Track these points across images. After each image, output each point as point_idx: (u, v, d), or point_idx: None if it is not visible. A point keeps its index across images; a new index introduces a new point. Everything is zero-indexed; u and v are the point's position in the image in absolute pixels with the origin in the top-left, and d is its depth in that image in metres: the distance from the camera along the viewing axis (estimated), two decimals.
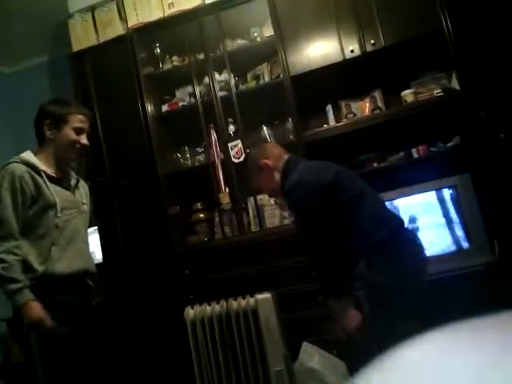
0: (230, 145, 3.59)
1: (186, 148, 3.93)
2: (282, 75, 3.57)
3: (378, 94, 3.68)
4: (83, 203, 2.50)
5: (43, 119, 2.39)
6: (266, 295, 2.98)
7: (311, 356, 2.78)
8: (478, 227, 3.12)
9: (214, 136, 3.63)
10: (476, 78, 3.15)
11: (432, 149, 3.42)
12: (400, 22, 3.38)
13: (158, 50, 3.90)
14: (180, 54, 3.88)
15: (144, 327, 3.52)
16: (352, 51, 3.45)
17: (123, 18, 3.93)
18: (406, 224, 3.22)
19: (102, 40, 3.92)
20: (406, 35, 3.33)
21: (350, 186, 2.38)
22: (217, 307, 3.06)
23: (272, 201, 3.44)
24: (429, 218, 3.31)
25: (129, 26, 3.90)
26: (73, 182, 2.50)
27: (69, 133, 2.38)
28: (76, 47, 3.96)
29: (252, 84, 3.80)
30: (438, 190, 3.29)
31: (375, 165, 3.52)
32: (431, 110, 3.33)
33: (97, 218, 3.66)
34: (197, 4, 3.76)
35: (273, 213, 3.47)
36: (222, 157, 3.61)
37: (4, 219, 2.22)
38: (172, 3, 3.81)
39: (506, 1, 3.09)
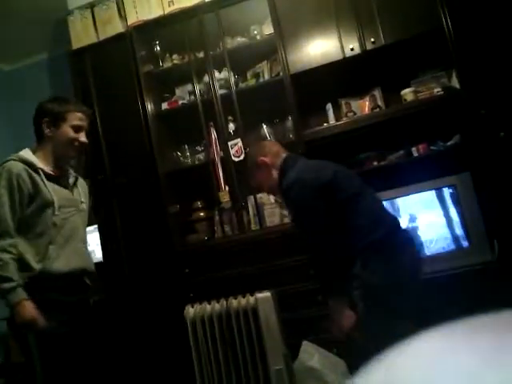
0: (229, 143, 3.58)
1: (186, 146, 3.93)
2: (281, 73, 3.57)
3: (377, 93, 3.68)
4: (82, 202, 2.49)
5: (42, 117, 2.39)
6: (266, 294, 2.98)
7: (311, 355, 2.79)
8: (478, 226, 3.12)
9: (213, 134, 3.63)
10: (476, 77, 3.14)
11: (432, 147, 3.42)
12: (400, 21, 3.37)
13: (158, 48, 3.89)
14: (180, 52, 3.87)
15: (144, 326, 3.52)
16: (352, 49, 3.44)
17: (123, 15, 3.93)
18: (406, 223, 3.25)
19: (101, 38, 3.92)
20: (406, 34, 3.33)
21: (348, 184, 2.38)
22: (217, 306, 3.07)
23: (272, 199, 3.44)
24: (428, 217, 3.31)
25: (128, 23, 3.90)
26: (71, 180, 2.49)
27: (67, 131, 2.38)
28: (76, 45, 3.96)
29: (252, 82, 3.79)
30: (438, 188, 3.28)
31: (375, 163, 3.52)
32: (431, 109, 3.33)
33: (96, 216, 3.67)
34: (197, 2, 3.76)
35: (273, 211, 3.47)
36: (222, 155, 3.60)
37: (0, 217, 2.22)
38: (172, 1, 3.81)
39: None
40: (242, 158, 3.49)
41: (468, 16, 3.17)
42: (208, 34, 3.70)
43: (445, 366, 0.34)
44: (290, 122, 3.66)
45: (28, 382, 2.27)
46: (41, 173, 2.30)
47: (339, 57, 3.47)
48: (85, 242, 2.55)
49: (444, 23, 3.19)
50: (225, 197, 3.53)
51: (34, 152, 2.38)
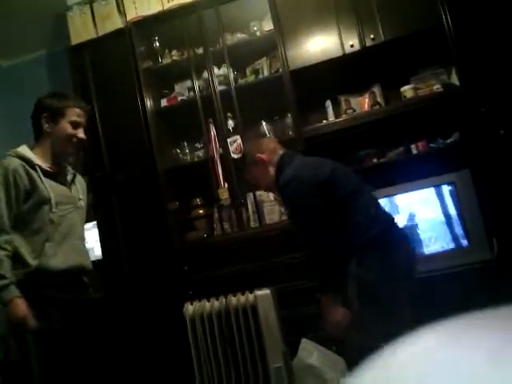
0: (229, 140, 3.57)
1: (185, 143, 3.92)
2: (281, 70, 3.56)
3: (377, 90, 3.67)
4: (80, 199, 2.47)
5: (40, 112, 2.38)
6: (265, 291, 2.99)
7: (310, 352, 2.79)
8: (477, 224, 3.11)
9: (213, 131, 3.62)
10: (476, 74, 3.13)
11: (431, 145, 3.42)
12: (400, 17, 3.36)
13: (157, 44, 3.88)
14: (179, 48, 3.86)
15: (143, 323, 3.52)
16: (352, 46, 3.44)
17: (122, 11, 3.91)
18: (405, 220, 3.26)
19: (100, 33, 3.90)
20: (405, 30, 3.32)
21: (346, 182, 2.39)
22: (216, 303, 3.07)
23: (271, 197, 3.44)
24: (428, 215, 3.31)
25: (127, 19, 3.87)
26: (69, 177, 2.47)
27: (66, 126, 2.36)
28: (74, 40, 3.94)
29: (251, 78, 3.78)
30: (437, 186, 3.28)
31: (374, 160, 3.52)
32: (431, 106, 3.33)
33: (95, 212, 3.67)
34: None
35: (272, 209, 3.47)
36: (221, 152, 3.59)
37: None
38: None
39: None
40: (241, 154, 3.48)
41: (468, 13, 3.15)
42: (207, 30, 3.68)
43: (443, 360, 0.34)
44: (289, 119, 3.65)
45: (25, 379, 2.27)
46: (38, 169, 2.29)
47: (339, 53, 3.46)
48: (82, 239, 2.54)
49: (444, 20, 3.18)
50: (224, 194, 3.53)
51: (31, 148, 2.37)
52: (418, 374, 0.34)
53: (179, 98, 3.85)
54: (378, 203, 2.50)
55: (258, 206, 3.50)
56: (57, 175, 2.40)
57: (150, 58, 3.90)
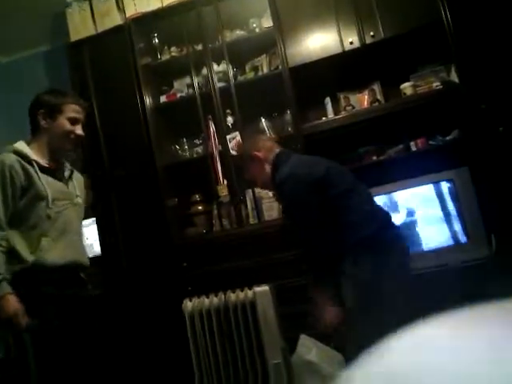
0: (228, 137, 3.57)
1: (184, 140, 3.92)
2: (280, 67, 3.56)
3: (376, 87, 3.67)
4: (77, 195, 2.46)
5: (38, 108, 2.36)
6: (264, 288, 2.99)
7: (309, 349, 2.79)
8: (476, 221, 3.12)
9: (212, 128, 3.62)
10: (475, 72, 3.13)
11: (431, 142, 3.42)
12: (399, 15, 3.36)
13: (156, 41, 3.87)
14: (178, 45, 3.86)
15: (142, 319, 3.52)
16: (351, 43, 3.43)
17: (121, 7, 3.91)
18: (404, 217, 3.26)
19: (99, 30, 3.90)
20: (405, 28, 3.32)
21: (341, 181, 2.41)
22: (215, 299, 3.07)
23: (270, 193, 3.44)
24: (427, 212, 3.31)
25: (127, 15, 3.88)
26: (66, 173, 2.46)
27: (63, 123, 2.35)
28: (74, 37, 3.93)
29: (250, 75, 3.78)
30: (436, 183, 3.28)
31: (374, 158, 3.51)
32: (430, 103, 3.33)
33: (94, 209, 3.67)
34: None
35: (271, 205, 3.47)
36: (221, 149, 3.59)
37: None
38: None
39: None
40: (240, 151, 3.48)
41: (467, 10, 3.15)
42: (207, 27, 3.68)
43: (443, 349, 0.34)
44: (288, 116, 3.65)
45: (22, 377, 2.26)
46: (35, 165, 2.27)
47: (338, 50, 3.46)
48: (80, 235, 2.53)
49: (443, 17, 3.18)
50: (223, 190, 3.53)
51: (28, 144, 2.35)
52: (418, 363, 0.34)
53: (178, 95, 3.85)
54: (374, 201, 2.51)
55: (257, 202, 3.50)
56: (54, 171, 2.38)
57: (149, 55, 3.90)
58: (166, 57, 3.88)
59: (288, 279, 3.22)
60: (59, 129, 2.35)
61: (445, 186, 3.26)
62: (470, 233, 3.14)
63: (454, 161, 3.25)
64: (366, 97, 3.65)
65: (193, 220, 3.71)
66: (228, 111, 3.64)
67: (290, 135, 3.51)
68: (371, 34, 3.39)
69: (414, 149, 3.44)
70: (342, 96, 3.72)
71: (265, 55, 3.79)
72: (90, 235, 3.80)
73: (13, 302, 2.13)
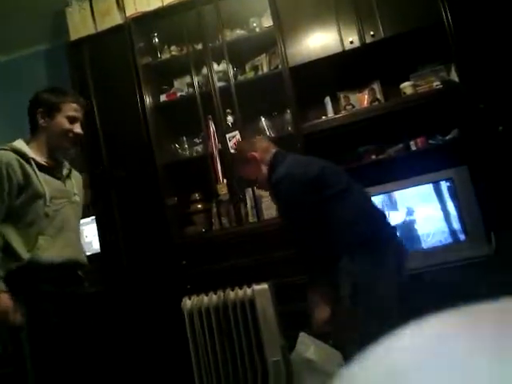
0: (228, 136, 3.58)
1: (184, 138, 3.92)
2: (280, 66, 3.56)
3: (376, 86, 3.68)
4: (75, 193, 2.45)
5: (36, 107, 2.36)
6: (263, 286, 2.99)
7: (308, 346, 2.78)
8: (475, 220, 3.12)
9: (212, 127, 3.62)
10: (475, 71, 3.14)
11: (430, 141, 3.42)
12: (400, 14, 3.36)
13: (157, 40, 3.88)
14: (178, 44, 3.86)
15: (142, 317, 3.52)
16: (351, 42, 3.44)
17: (121, 7, 3.91)
18: (403, 216, 3.27)
19: (99, 29, 3.90)
20: (405, 27, 3.32)
21: (336, 181, 2.41)
22: (214, 297, 3.07)
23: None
24: (426, 210, 3.32)
25: (127, 15, 3.88)
26: (65, 171, 2.45)
27: (62, 121, 2.35)
28: (74, 36, 3.93)
29: (250, 75, 3.78)
30: (436, 182, 3.29)
31: (374, 157, 3.52)
32: (430, 103, 3.33)
33: (94, 207, 3.67)
34: None
35: (270, 204, 3.45)
36: (220, 148, 3.59)
37: None
38: None
39: None
40: None
41: (468, 10, 3.17)
42: (207, 26, 3.68)
43: (442, 350, 0.33)
44: (288, 115, 3.65)
45: (19, 375, 2.25)
46: (32, 163, 2.26)
47: (338, 50, 3.47)
48: (78, 233, 2.52)
49: (444, 17, 3.19)
50: (223, 189, 3.53)
51: (27, 143, 2.35)
52: (419, 363, 0.33)
53: (178, 94, 3.86)
54: (369, 201, 2.51)
55: (257, 201, 3.51)
56: (52, 169, 2.38)
57: (149, 54, 3.90)
58: (166, 56, 3.89)
59: (287, 277, 3.21)
60: (58, 127, 2.35)
61: (444, 185, 3.26)
62: (469, 231, 3.15)
63: (453, 160, 3.25)
64: (366, 96, 3.66)
65: (192, 218, 3.71)
66: (228, 110, 3.64)
67: (289, 134, 3.52)
68: (371, 33, 3.40)
69: (413, 148, 3.45)
70: (341, 95, 3.73)
71: (265, 54, 3.79)
72: (90, 233, 3.80)
73: (5, 300, 2.12)
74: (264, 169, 2.54)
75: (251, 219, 3.51)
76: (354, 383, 0.36)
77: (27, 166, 2.25)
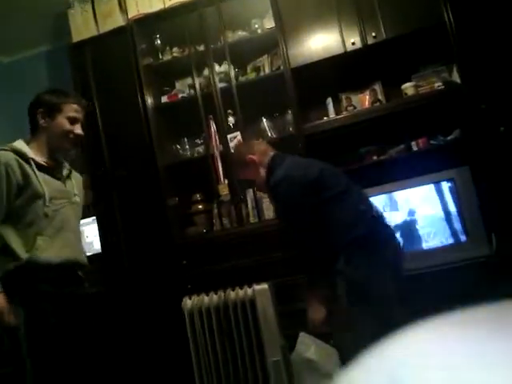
0: (229, 136, 3.58)
1: (186, 139, 3.93)
2: (282, 67, 3.56)
3: (378, 87, 3.68)
4: (75, 194, 2.45)
5: (37, 107, 2.36)
6: (264, 286, 2.99)
7: (308, 346, 2.78)
8: (476, 220, 3.12)
9: (213, 127, 3.62)
10: (477, 72, 3.14)
11: (432, 142, 3.42)
12: (401, 15, 3.36)
13: (159, 42, 3.89)
14: (180, 46, 3.87)
15: (142, 317, 3.52)
16: (353, 43, 3.44)
17: (123, 8, 3.93)
18: (404, 217, 3.26)
19: (102, 31, 3.91)
20: (407, 28, 3.33)
21: (334, 183, 2.42)
22: (215, 297, 3.07)
23: None
24: (427, 211, 3.31)
25: (129, 17, 3.89)
26: (65, 172, 2.45)
27: (62, 122, 2.35)
28: (76, 38, 3.95)
29: (252, 76, 3.79)
30: (437, 182, 3.28)
31: (375, 157, 3.51)
32: (432, 103, 3.33)
33: (95, 208, 3.67)
34: None
35: (271, 205, 3.46)
36: (222, 148, 3.60)
37: None
38: None
39: None
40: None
41: (470, 10, 3.17)
42: (208, 28, 3.69)
43: (433, 355, 0.33)
44: (289, 116, 3.66)
45: (18, 375, 2.25)
46: (32, 163, 2.26)
47: (340, 51, 3.47)
48: (77, 233, 2.52)
49: (446, 18, 3.20)
50: (224, 190, 3.53)
51: (27, 143, 2.35)
52: (419, 362, 0.33)
53: (180, 95, 3.87)
54: (368, 202, 2.52)
55: (258, 201, 3.51)
56: (52, 170, 2.38)
57: (151, 56, 3.91)
58: (167, 57, 3.90)
59: (287, 277, 3.21)
60: (58, 128, 2.35)
61: (445, 186, 3.26)
62: (470, 232, 3.14)
63: (454, 160, 3.24)
64: (368, 97, 3.66)
65: (193, 219, 3.71)
66: (229, 111, 3.65)
67: (291, 135, 3.52)
68: (373, 34, 3.40)
69: (415, 148, 3.44)
70: (343, 96, 3.73)
71: (266, 56, 3.80)
72: (91, 233, 3.81)
73: (0, 300, 2.13)
74: (262, 171, 2.55)
75: (252, 220, 3.51)
76: None
77: (26, 166, 2.25)
